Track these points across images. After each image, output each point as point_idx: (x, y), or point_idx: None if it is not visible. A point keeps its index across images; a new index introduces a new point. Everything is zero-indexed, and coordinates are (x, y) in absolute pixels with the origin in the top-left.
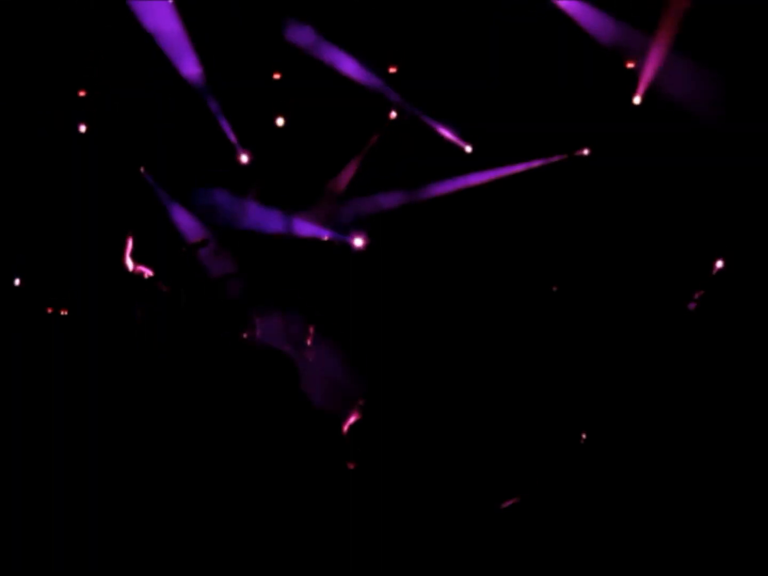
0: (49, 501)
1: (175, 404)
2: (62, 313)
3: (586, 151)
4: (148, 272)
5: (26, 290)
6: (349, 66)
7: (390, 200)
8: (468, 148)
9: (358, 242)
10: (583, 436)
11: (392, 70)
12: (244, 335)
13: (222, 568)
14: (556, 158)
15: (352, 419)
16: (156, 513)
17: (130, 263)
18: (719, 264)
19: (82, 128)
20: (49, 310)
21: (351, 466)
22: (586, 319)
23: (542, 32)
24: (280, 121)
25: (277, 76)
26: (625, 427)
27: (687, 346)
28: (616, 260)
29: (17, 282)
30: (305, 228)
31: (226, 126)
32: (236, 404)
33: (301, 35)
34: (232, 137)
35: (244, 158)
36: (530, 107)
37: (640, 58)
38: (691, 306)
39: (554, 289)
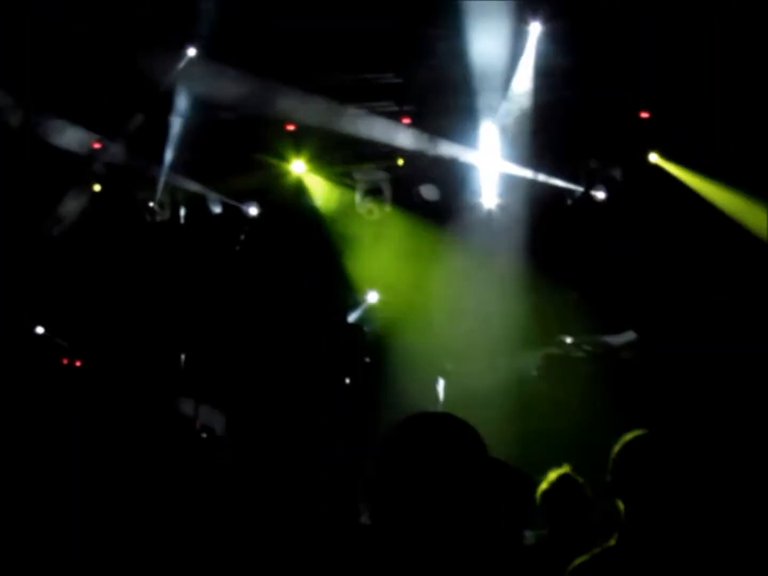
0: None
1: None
2: (77, 364)
3: (601, 195)
4: None
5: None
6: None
7: None
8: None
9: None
10: None
11: (406, 120)
12: None
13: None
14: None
15: None
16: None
17: None
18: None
19: (97, 187)
20: (65, 361)
21: None
22: None
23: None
24: (299, 166)
25: (291, 127)
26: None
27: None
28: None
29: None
30: None
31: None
32: None
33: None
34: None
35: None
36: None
37: None
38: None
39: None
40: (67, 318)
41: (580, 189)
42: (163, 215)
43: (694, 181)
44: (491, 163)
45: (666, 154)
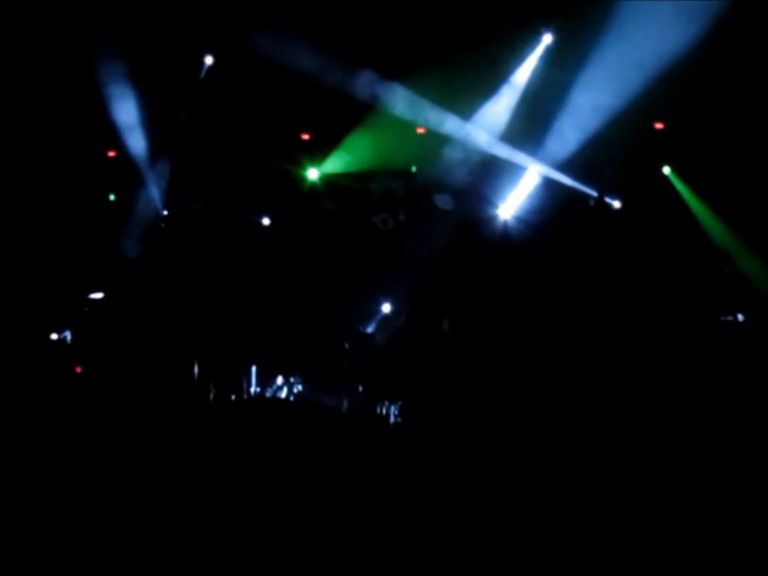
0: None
1: None
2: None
3: (617, 203)
4: None
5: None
6: None
7: None
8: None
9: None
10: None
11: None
12: None
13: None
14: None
15: None
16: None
17: None
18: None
19: (112, 197)
20: (78, 369)
21: None
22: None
23: None
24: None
25: (305, 137)
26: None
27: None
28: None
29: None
30: None
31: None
32: None
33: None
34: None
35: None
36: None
37: None
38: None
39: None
40: (85, 323)
41: (594, 196)
42: (177, 225)
43: (695, 204)
44: (508, 171)
45: (677, 169)
